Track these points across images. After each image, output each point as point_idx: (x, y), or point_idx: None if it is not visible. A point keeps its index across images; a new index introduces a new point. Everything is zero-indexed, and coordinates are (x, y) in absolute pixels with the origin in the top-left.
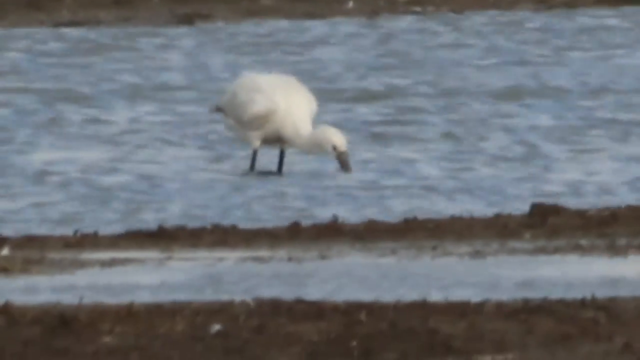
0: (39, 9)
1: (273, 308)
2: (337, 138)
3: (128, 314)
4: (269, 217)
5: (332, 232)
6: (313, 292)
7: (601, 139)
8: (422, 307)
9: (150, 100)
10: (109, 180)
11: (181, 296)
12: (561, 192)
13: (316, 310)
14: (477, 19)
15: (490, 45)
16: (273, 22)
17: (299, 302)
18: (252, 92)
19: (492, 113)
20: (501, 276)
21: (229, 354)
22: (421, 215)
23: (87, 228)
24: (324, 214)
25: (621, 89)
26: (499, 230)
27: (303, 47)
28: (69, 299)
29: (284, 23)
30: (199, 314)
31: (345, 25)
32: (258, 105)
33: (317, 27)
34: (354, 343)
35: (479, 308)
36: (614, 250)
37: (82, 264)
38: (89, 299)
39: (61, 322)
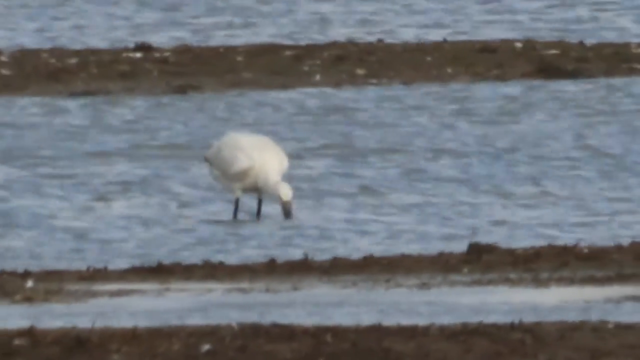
0: (58, 81)
1: (254, 331)
2: (286, 191)
3: (133, 336)
4: (251, 254)
5: (303, 268)
6: (287, 318)
7: None
8: (378, 330)
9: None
10: None
11: (176, 321)
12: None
13: (289, 333)
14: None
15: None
16: (252, 92)
17: (275, 326)
18: (234, 149)
19: None
20: (444, 304)
21: None
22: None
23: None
24: (295, 253)
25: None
26: (442, 265)
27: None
28: (83, 323)
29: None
30: (192, 336)
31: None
32: (240, 162)
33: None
34: None
35: (425, 331)
36: (538, 282)
37: (94, 294)
38: (100, 323)
39: (77, 342)
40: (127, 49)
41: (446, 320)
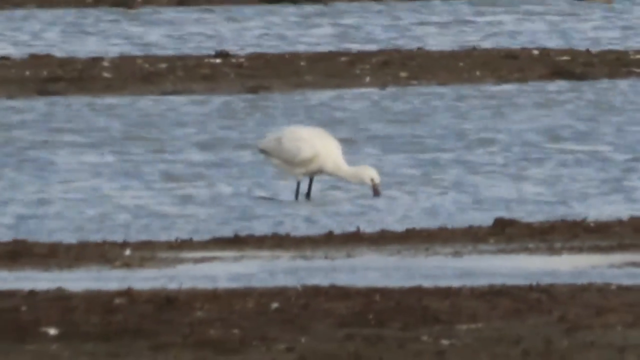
0: (150, 83)
1: (314, 292)
2: (374, 173)
3: (213, 296)
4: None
5: (356, 239)
6: (342, 281)
7: None
8: (418, 291)
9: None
10: None
11: (250, 283)
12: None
13: (344, 293)
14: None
15: None
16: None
17: (333, 287)
18: (296, 141)
19: None
20: (473, 269)
21: (284, 324)
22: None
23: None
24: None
25: None
26: (472, 237)
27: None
28: (172, 285)
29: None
30: (263, 296)
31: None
32: (304, 152)
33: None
34: (371, 316)
35: (458, 291)
36: (552, 251)
37: (181, 261)
38: (186, 285)
39: (167, 301)
40: (208, 56)
41: (475, 282)
